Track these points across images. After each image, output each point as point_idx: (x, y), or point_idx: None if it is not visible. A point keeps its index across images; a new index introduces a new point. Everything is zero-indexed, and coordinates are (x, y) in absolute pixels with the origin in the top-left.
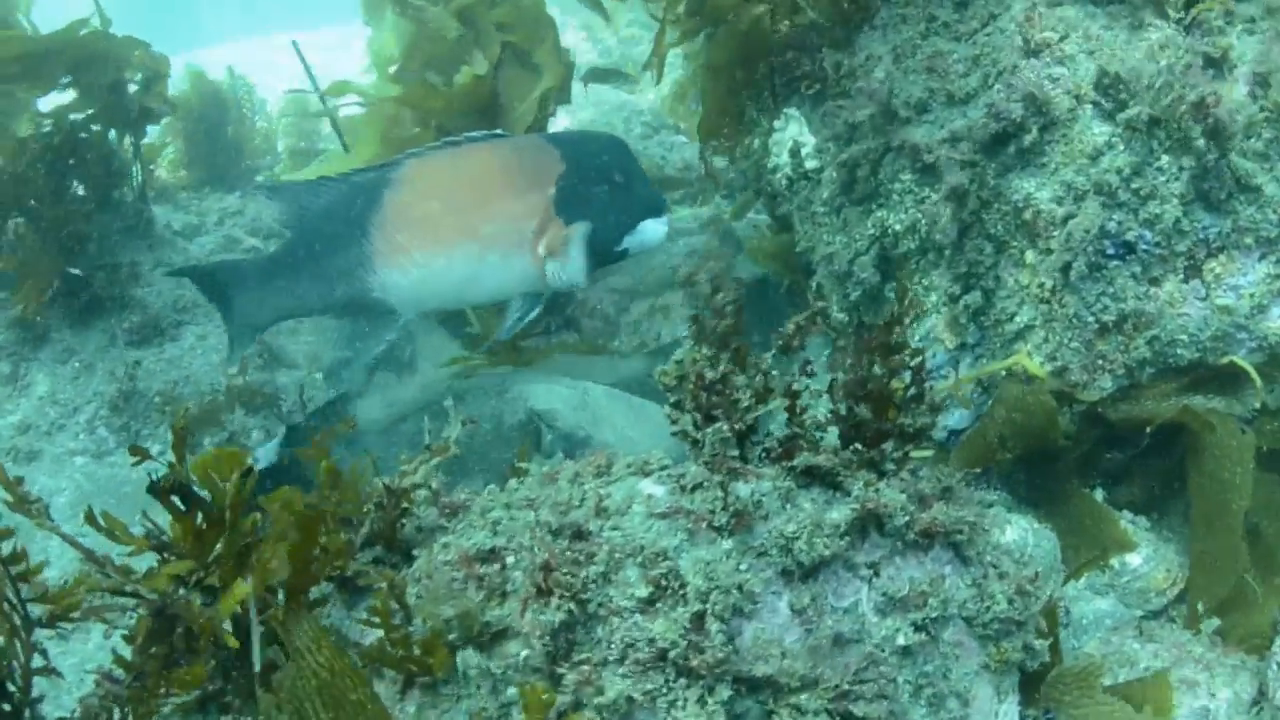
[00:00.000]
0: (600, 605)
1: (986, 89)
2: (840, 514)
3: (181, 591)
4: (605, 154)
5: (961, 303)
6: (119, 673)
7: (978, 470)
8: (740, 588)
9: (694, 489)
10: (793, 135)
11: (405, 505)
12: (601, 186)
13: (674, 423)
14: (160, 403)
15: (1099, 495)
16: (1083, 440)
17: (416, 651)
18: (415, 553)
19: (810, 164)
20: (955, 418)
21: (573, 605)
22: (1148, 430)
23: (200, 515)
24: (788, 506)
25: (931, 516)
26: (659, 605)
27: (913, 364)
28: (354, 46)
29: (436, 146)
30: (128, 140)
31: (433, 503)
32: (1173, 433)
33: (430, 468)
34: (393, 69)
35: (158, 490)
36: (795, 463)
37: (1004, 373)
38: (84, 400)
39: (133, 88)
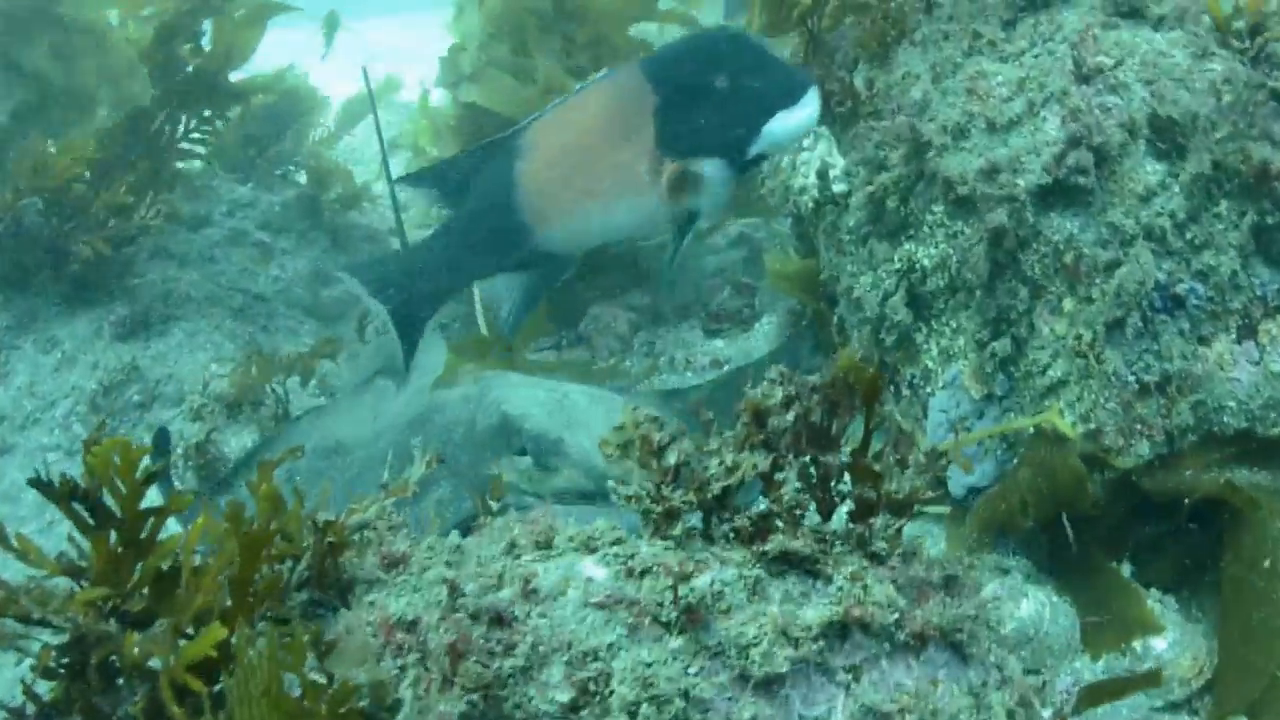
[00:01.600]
0: (517, 706)
1: (1032, 115)
2: (817, 614)
3: (108, 623)
4: (704, 64)
5: (990, 350)
6: (30, 708)
7: (995, 533)
8: (687, 695)
9: (643, 574)
10: (821, 154)
11: (339, 544)
12: (704, 104)
13: (619, 498)
14: (140, 401)
15: (1125, 570)
16: (1113, 510)
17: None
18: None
19: (838, 187)
20: (976, 475)
21: (476, 698)
22: (1185, 504)
23: (114, 532)
24: (754, 600)
25: (925, 617)
26: (584, 714)
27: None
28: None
29: (556, 103)
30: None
31: (371, 550)
32: (1212, 507)
33: (381, 507)
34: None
35: (49, 491)
36: (768, 547)
37: (1032, 430)
38: (62, 394)
39: None
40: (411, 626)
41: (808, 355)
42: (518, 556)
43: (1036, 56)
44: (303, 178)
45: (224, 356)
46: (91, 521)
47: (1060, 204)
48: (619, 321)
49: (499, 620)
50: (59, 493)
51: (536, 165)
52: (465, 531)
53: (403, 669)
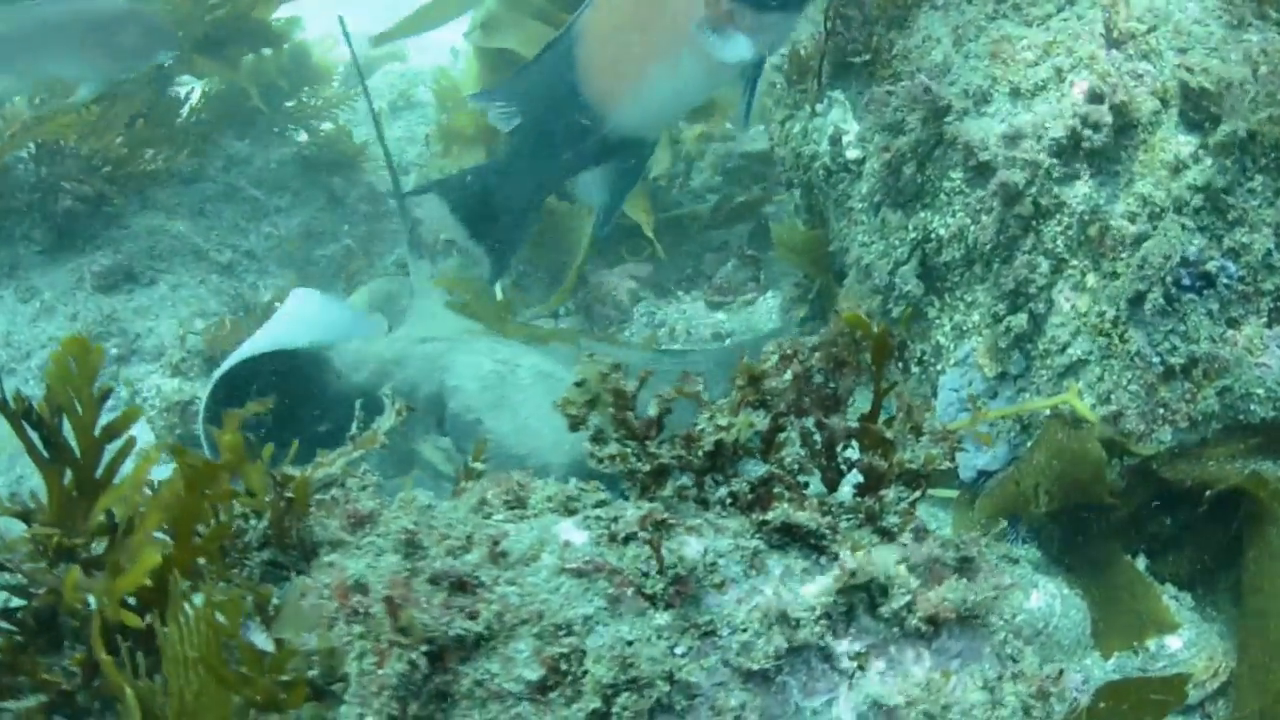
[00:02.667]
0: (477, 684)
1: (1058, 81)
2: (820, 587)
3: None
4: None
5: (1005, 325)
6: None
7: (1005, 520)
8: (671, 678)
9: (627, 540)
10: (835, 120)
11: (300, 501)
12: None
13: (598, 460)
14: (117, 355)
15: (1141, 564)
16: (1130, 499)
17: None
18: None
19: (851, 154)
20: (986, 457)
21: (416, 657)
22: (1207, 495)
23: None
24: (751, 574)
25: (940, 597)
26: (554, 696)
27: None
28: None
29: None
30: None
31: (333, 510)
32: (1234, 500)
33: (348, 461)
34: None
35: (8, 413)
36: (769, 516)
37: (1048, 412)
38: (38, 345)
39: None
40: (368, 589)
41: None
42: (488, 516)
43: (1065, 20)
44: (302, 136)
45: (208, 312)
46: (46, 454)
47: (1086, 173)
48: (619, 290)
49: (461, 586)
50: (12, 411)
51: (593, 46)
52: None
53: (360, 637)
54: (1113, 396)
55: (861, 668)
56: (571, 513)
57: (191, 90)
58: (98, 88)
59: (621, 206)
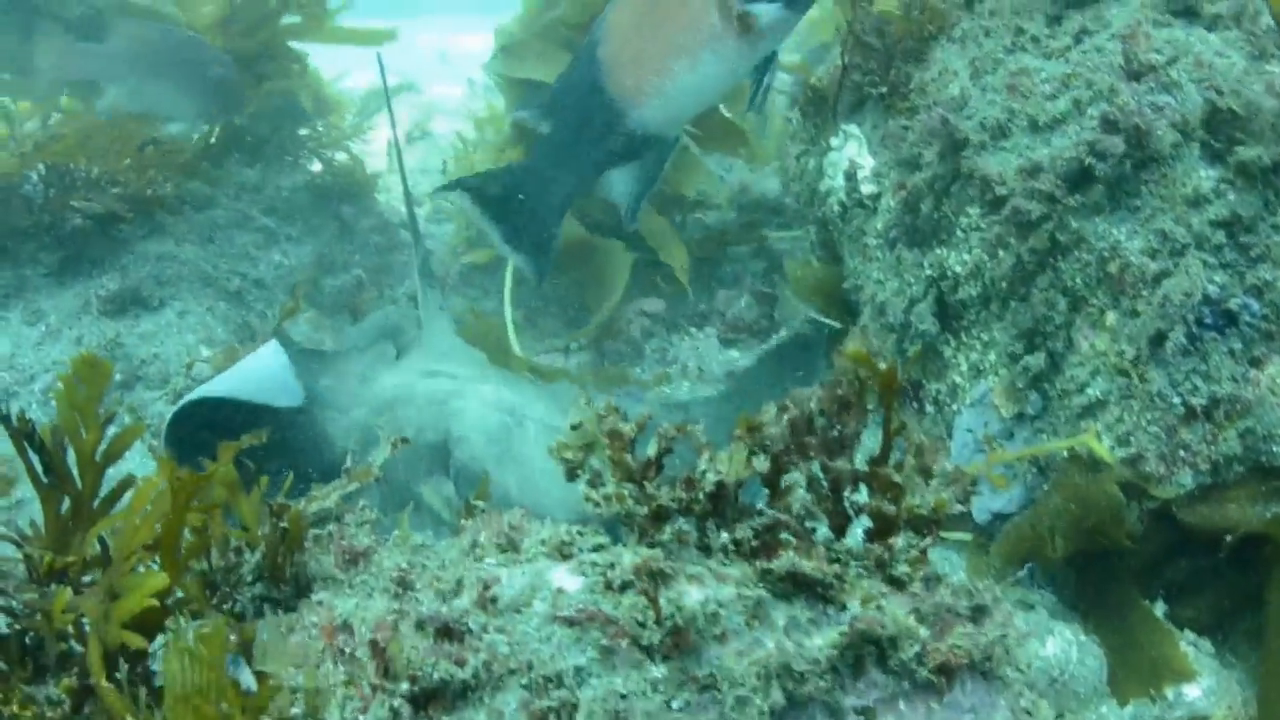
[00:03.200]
0: None
1: (1078, 114)
2: (826, 640)
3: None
4: None
5: (1022, 364)
6: None
7: (1021, 565)
8: None
9: (623, 587)
10: (850, 155)
11: (295, 535)
12: None
13: (594, 503)
14: (121, 381)
15: (1159, 609)
16: (1149, 543)
17: None
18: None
19: (867, 189)
20: (1002, 500)
21: (399, 704)
22: (1227, 540)
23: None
24: (755, 624)
25: (950, 645)
26: None
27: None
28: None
29: None
30: None
31: (327, 546)
32: (1256, 545)
33: (342, 495)
34: None
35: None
36: (774, 565)
37: (1066, 453)
38: (42, 368)
39: None
40: (354, 630)
41: (823, 369)
42: (480, 558)
43: (1084, 52)
44: (315, 165)
45: (214, 339)
46: (45, 479)
47: (1106, 207)
48: (631, 326)
49: (448, 632)
50: (16, 429)
51: (616, 46)
52: None
53: (345, 681)
54: (1132, 438)
55: None
56: (566, 557)
57: None
58: (186, 128)
59: (644, 202)
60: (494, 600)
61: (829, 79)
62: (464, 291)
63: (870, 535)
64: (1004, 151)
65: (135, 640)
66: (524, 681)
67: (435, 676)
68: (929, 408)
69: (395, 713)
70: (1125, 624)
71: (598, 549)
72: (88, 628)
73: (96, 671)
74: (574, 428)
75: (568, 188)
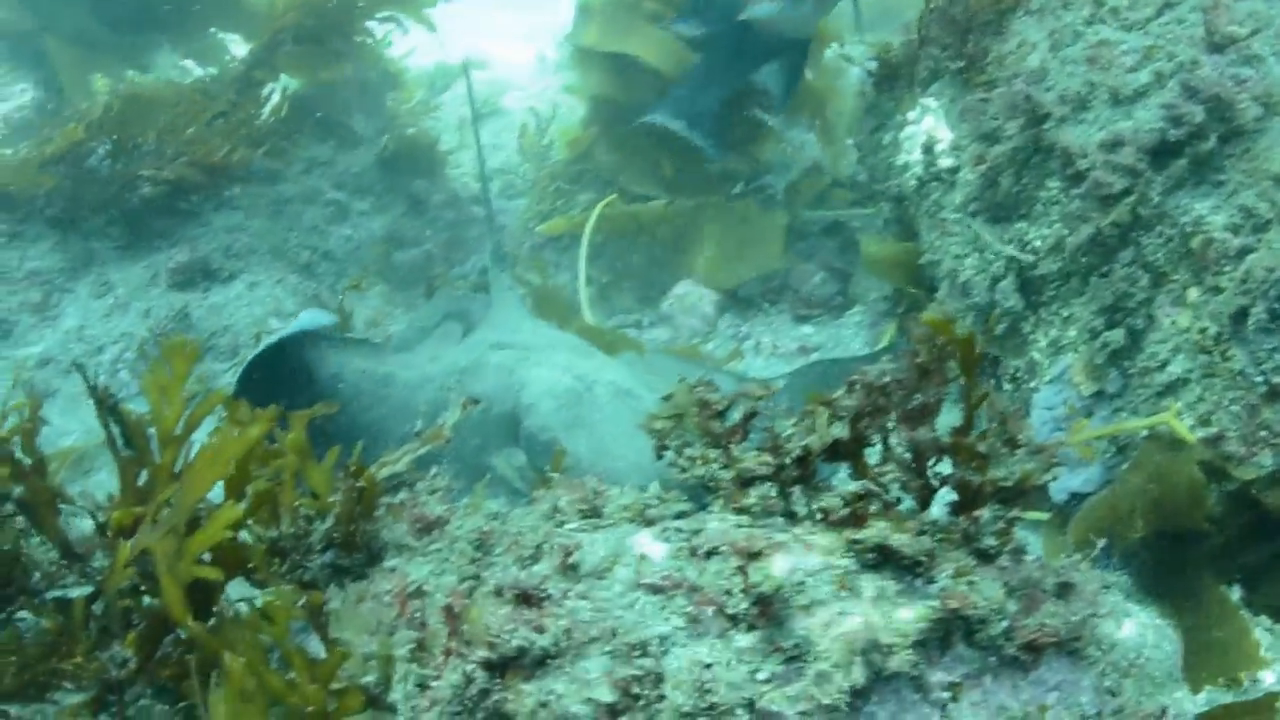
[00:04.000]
0: (541, 704)
1: (1159, 87)
2: (915, 613)
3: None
4: None
5: (1103, 341)
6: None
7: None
8: (752, 706)
9: (709, 554)
10: (927, 129)
11: (368, 500)
12: None
13: (680, 468)
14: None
15: (1235, 594)
16: (1227, 525)
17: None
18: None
19: (945, 162)
20: (1080, 479)
21: (472, 669)
22: None
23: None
24: (843, 595)
25: (1039, 622)
26: None
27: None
28: None
29: None
30: None
31: (400, 514)
32: None
33: (414, 458)
34: None
35: (97, 400)
36: (863, 535)
37: (1145, 432)
38: (110, 339)
39: None
40: (427, 596)
41: (892, 334)
42: (560, 524)
43: (1164, 25)
44: (385, 140)
45: (283, 311)
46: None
47: (1188, 182)
48: (704, 302)
49: (527, 598)
50: (101, 399)
51: None
52: None
53: (416, 646)
54: (1213, 418)
55: (955, 699)
56: (650, 523)
57: (272, 91)
58: None
59: (791, 94)
60: (575, 566)
61: (903, 52)
62: (536, 266)
63: (955, 507)
64: (1085, 124)
65: (211, 573)
66: (607, 649)
67: (513, 643)
68: (1006, 385)
69: (470, 679)
70: (1200, 609)
71: (680, 515)
72: (158, 565)
73: (176, 609)
74: (666, 399)
75: (726, 86)
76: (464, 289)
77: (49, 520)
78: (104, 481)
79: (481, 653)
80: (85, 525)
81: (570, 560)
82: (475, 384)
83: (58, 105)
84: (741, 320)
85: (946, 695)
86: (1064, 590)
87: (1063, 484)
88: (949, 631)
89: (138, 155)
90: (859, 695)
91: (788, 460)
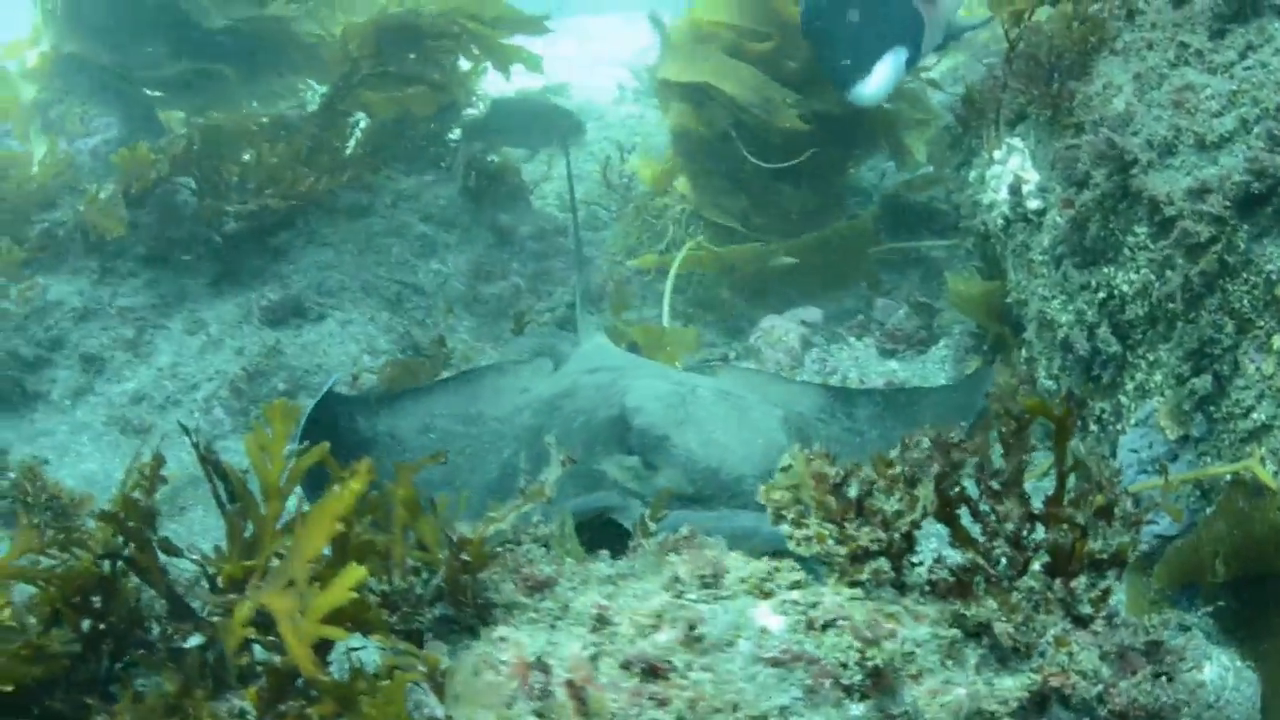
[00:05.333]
0: None
1: (1244, 133)
2: (1016, 682)
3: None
4: None
5: (1188, 386)
6: None
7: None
8: None
9: (825, 627)
10: (1014, 169)
11: (475, 563)
12: None
13: (796, 542)
14: (285, 390)
15: None
16: None
17: None
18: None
19: (1032, 204)
20: (1164, 523)
21: None
22: None
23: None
24: (949, 664)
25: (1129, 698)
26: None
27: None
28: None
29: None
30: None
31: (511, 572)
32: None
33: (520, 516)
34: None
35: (202, 459)
36: (971, 614)
37: (1228, 478)
38: (205, 377)
39: None
40: (549, 669)
41: (984, 404)
42: (680, 594)
43: (1248, 69)
44: (467, 170)
45: (376, 349)
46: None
47: (1275, 230)
48: (790, 335)
49: (654, 671)
50: (205, 458)
51: None
52: (580, 529)
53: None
54: None
55: None
56: (767, 595)
57: (357, 122)
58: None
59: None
60: (699, 639)
61: (986, 90)
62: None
63: (1049, 569)
64: (1171, 170)
65: (337, 633)
66: None
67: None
68: (1092, 426)
69: None
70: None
71: (795, 586)
72: (282, 624)
73: (305, 665)
74: (783, 470)
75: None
76: (550, 325)
77: (157, 576)
78: (198, 519)
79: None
80: (185, 566)
81: (695, 633)
82: (571, 403)
83: (140, 141)
84: (827, 354)
85: None
86: (1152, 649)
87: (1148, 528)
88: (1047, 698)
89: (224, 190)
90: None
91: (897, 535)
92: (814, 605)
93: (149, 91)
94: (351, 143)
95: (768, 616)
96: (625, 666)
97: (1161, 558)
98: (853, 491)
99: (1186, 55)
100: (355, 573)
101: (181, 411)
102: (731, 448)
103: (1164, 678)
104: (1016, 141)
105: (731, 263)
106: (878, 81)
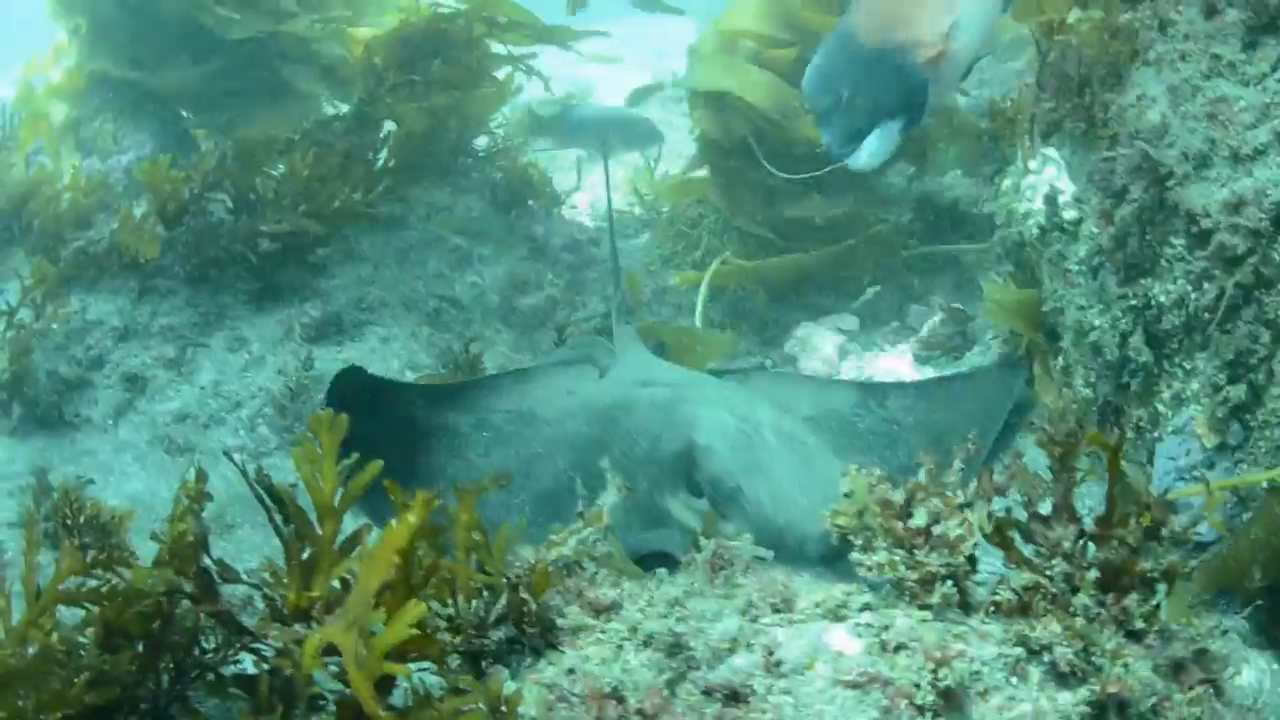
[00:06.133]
0: None
1: (1278, 145)
2: (1076, 697)
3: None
4: None
5: (1224, 395)
6: None
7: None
8: None
9: (898, 649)
10: (1050, 179)
11: (539, 585)
12: None
13: (867, 568)
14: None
15: None
16: None
17: None
18: (548, 655)
19: (1068, 214)
20: (1203, 528)
21: None
22: None
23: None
24: (1014, 681)
25: (1182, 714)
26: None
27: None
28: None
29: None
30: None
31: (575, 595)
32: None
33: (580, 542)
34: None
35: (253, 484)
36: (1036, 635)
37: (1265, 484)
38: (249, 395)
39: None
40: (624, 700)
41: (1020, 388)
42: (754, 619)
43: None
44: (498, 180)
45: (418, 364)
46: (284, 526)
47: None
48: (826, 343)
49: (736, 696)
50: (258, 482)
51: None
52: (639, 562)
53: None
54: None
55: None
56: (840, 619)
57: (388, 134)
58: None
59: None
60: (778, 664)
61: (1019, 99)
62: (657, 310)
63: (1100, 585)
64: (1206, 182)
65: (400, 670)
66: None
67: None
68: (1130, 433)
69: None
70: None
71: (865, 608)
72: (346, 660)
73: (370, 705)
74: (846, 495)
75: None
76: (589, 333)
77: (214, 606)
78: (246, 535)
79: None
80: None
81: (774, 657)
82: (630, 419)
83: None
84: (862, 361)
85: None
86: (1199, 657)
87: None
88: (1105, 709)
89: (259, 207)
90: None
91: (961, 558)
92: (886, 628)
93: (180, 110)
94: (384, 153)
95: (843, 640)
96: (707, 693)
97: (1199, 563)
98: (920, 520)
99: (1219, 67)
100: (416, 609)
101: (226, 429)
102: (799, 502)
103: (1212, 689)
104: (1051, 152)
105: (763, 275)
106: (868, 155)
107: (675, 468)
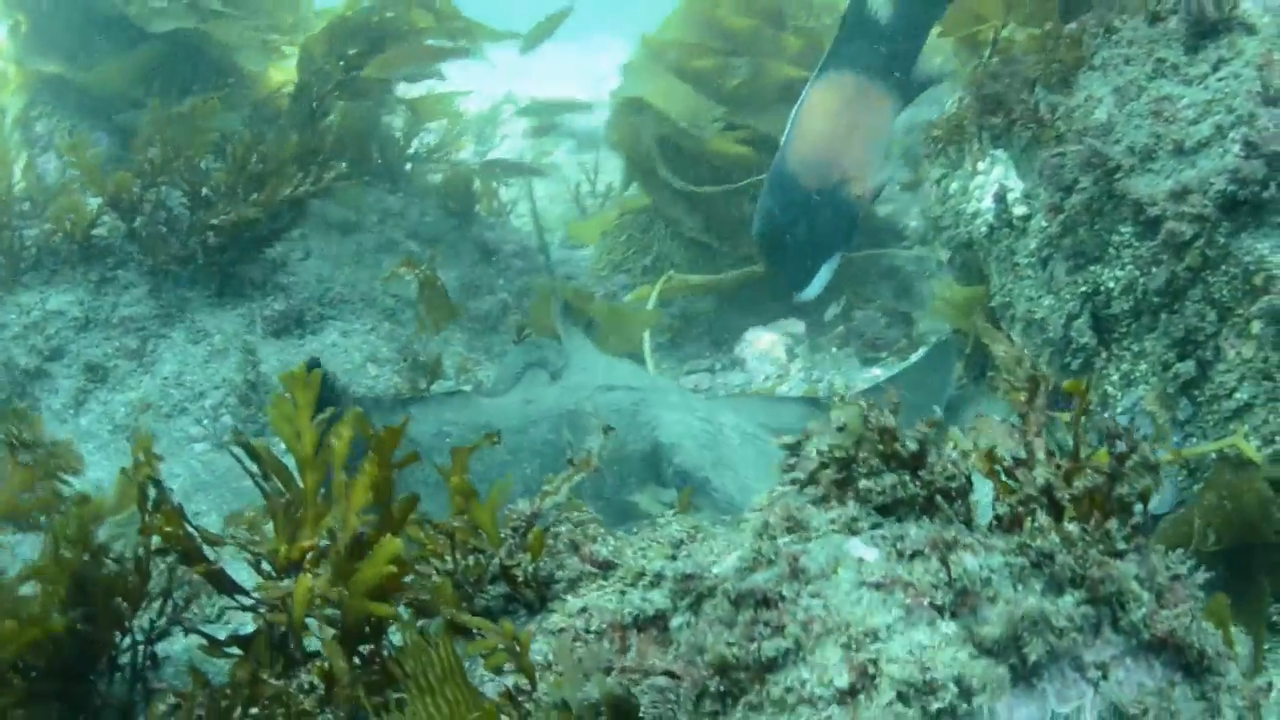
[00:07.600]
0: (788, 690)
1: (1220, 138)
2: (1074, 598)
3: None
4: None
5: (1173, 372)
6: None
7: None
8: (958, 682)
9: (913, 556)
10: (998, 178)
11: (535, 547)
12: None
13: (878, 493)
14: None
15: None
16: None
17: None
18: (552, 605)
19: (1018, 210)
20: (1155, 500)
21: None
22: None
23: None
24: (1019, 588)
25: (1169, 627)
26: (861, 698)
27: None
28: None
29: None
30: None
31: (572, 550)
32: None
33: (573, 485)
34: None
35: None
36: (1033, 544)
37: (1215, 455)
38: (211, 385)
39: None
40: (649, 624)
41: (959, 373)
42: (773, 538)
43: (1221, 80)
44: (437, 178)
45: (380, 358)
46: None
47: (1251, 225)
48: (776, 347)
49: (765, 601)
50: (239, 442)
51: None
52: None
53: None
54: (1277, 437)
55: (1104, 676)
56: (855, 533)
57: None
58: None
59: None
60: (803, 570)
61: (964, 107)
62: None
63: (1082, 515)
64: (1152, 174)
65: (382, 609)
66: (842, 640)
67: (763, 655)
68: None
69: (707, 690)
70: (1261, 616)
71: (875, 526)
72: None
73: (330, 652)
74: (839, 429)
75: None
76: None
77: (201, 561)
78: (213, 524)
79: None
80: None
81: (799, 564)
82: (594, 425)
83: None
84: (811, 364)
85: (1098, 673)
86: (1175, 582)
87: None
88: (1100, 618)
89: (209, 201)
90: (1034, 671)
91: (963, 478)
92: (901, 539)
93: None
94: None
95: (862, 549)
96: (735, 603)
97: (1156, 531)
98: (914, 445)
99: (1163, 69)
100: (391, 545)
101: (189, 419)
102: (761, 491)
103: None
104: (1000, 153)
105: (708, 288)
106: (818, 287)
107: (642, 468)
